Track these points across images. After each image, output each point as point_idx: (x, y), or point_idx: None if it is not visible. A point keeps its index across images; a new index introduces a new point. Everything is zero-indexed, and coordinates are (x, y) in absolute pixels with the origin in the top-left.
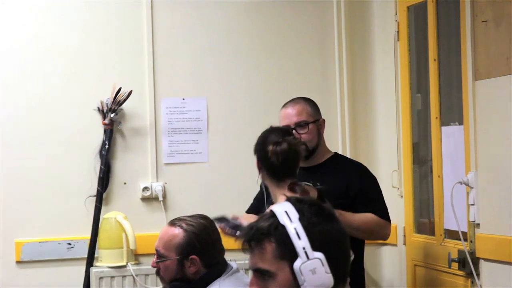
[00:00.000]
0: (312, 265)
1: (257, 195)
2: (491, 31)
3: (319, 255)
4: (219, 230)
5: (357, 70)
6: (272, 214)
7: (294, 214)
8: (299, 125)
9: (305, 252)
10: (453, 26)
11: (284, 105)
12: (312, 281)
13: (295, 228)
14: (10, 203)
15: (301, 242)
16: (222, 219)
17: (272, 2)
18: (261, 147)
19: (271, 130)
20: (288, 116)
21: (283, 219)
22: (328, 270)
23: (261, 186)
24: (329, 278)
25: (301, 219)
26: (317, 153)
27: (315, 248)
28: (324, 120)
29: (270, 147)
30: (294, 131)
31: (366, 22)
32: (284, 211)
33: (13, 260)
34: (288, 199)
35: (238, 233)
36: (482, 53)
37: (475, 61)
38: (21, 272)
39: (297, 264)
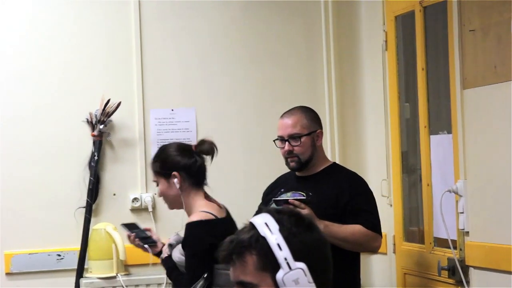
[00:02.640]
0: (295, 276)
1: (260, 205)
2: (478, 40)
3: (301, 265)
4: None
5: (346, 80)
6: (252, 226)
7: (274, 225)
8: (292, 137)
9: (287, 263)
10: (441, 36)
11: (282, 115)
12: None
13: (275, 239)
14: None
15: (282, 253)
16: (132, 226)
17: (260, 12)
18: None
19: (180, 144)
20: (283, 127)
21: (263, 231)
22: (311, 279)
23: (262, 196)
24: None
25: (281, 230)
26: (312, 164)
27: (296, 258)
28: (321, 132)
29: (198, 158)
30: (287, 142)
31: (354, 32)
32: (264, 223)
33: (3, 272)
34: (267, 211)
35: (146, 246)
36: (470, 62)
37: (463, 70)
38: (11, 284)
39: (279, 275)
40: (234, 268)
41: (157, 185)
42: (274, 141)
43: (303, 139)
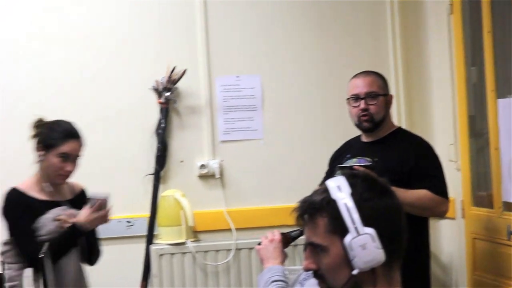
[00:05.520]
0: (362, 241)
1: (327, 171)
2: None
3: (370, 230)
4: None
5: (411, 45)
6: (325, 189)
7: (347, 189)
8: (370, 95)
9: (355, 228)
10: None
11: (355, 76)
12: (362, 256)
13: (345, 203)
14: None
15: (351, 217)
16: None
17: None
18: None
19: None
20: (359, 86)
21: (335, 194)
22: (380, 245)
23: (329, 162)
24: (380, 254)
25: (353, 194)
26: (382, 127)
27: (366, 223)
28: (392, 96)
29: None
30: (363, 100)
31: None
32: (337, 186)
33: None
34: (343, 174)
35: None
36: None
37: None
38: None
39: (347, 239)
40: (306, 228)
41: None
42: (347, 99)
43: (380, 98)
